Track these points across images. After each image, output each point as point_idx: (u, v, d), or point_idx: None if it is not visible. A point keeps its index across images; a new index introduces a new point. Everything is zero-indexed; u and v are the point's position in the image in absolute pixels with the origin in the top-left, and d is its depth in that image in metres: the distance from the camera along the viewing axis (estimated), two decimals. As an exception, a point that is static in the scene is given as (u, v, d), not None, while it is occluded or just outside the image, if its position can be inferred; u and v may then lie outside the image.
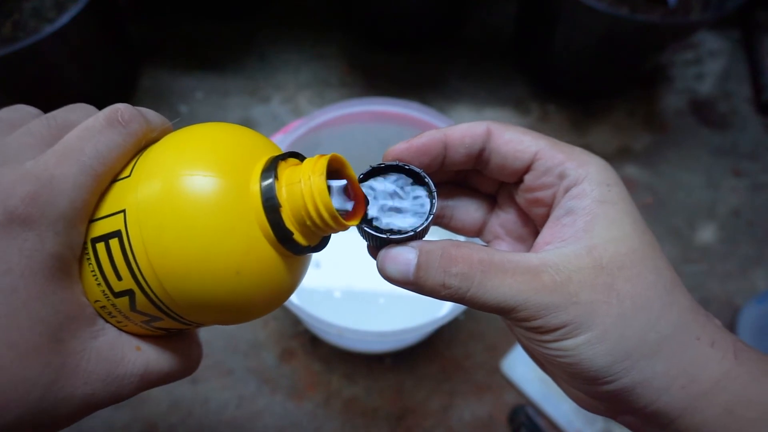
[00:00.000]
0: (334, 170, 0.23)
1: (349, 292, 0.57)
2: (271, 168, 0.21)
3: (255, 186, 0.21)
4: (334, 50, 0.78)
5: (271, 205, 0.21)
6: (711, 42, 0.82)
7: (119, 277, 0.21)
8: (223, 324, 0.24)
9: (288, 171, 0.21)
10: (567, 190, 0.23)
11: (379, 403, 0.57)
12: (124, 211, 0.21)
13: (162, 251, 0.20)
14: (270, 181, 0.21)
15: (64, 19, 0.54)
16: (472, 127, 0.24)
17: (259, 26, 0.79)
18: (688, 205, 0.69)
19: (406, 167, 0.24)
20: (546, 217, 0.24)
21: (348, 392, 0.58)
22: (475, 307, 0.22)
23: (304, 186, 0.20)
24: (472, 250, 0.22)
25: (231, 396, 0.57)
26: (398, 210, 0.23)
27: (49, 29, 0.53)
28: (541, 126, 0.73)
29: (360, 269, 0.58)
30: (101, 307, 0.22)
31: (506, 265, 0.21)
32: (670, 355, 0.21)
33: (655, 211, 0.68)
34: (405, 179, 0.24)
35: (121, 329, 0.23)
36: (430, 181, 0.23)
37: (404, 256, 0.22)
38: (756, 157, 0.73)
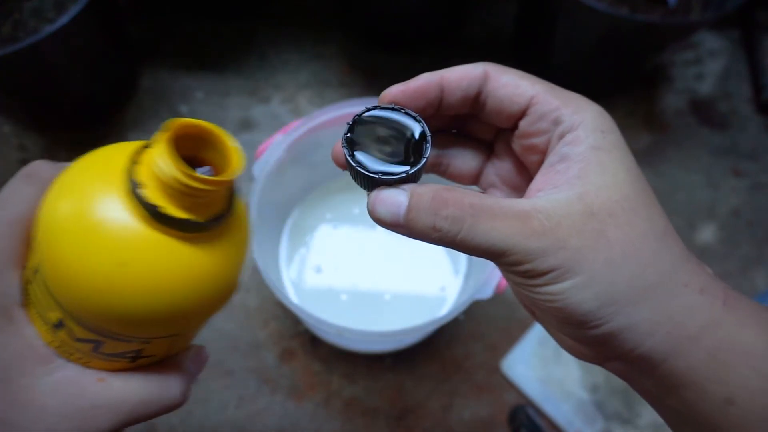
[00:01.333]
0: (198, 140, 0.22)
1: (350, 291, 0.57)
2: (133, 156, 0.21)
3: (121, 178, 0.21)
4: (334, 50, 0.78)
5: (133, 186, 0.21)
6: (711, 42, 0.82)
7: (51, 310, 0.22)
8: (171, 332, 0.24)
9: (147, 152, 0.21)
10: (561, 136, 0.23)
11: (379, 403, 0.57)
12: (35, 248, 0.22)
13: (56, 267, 0.21)
14: (131, 166, 0.21)
15: (64, 19, 0.54)
16: (469, 69, 0.24)
17: (259, 26, 0.79)
18: (688, 205, 0.69)
19: (402, 110, 0.23)
20: (540, 164, 0.24)
21: (348, 392, 0.58)
22: (465, 250, 0.21)
23: (153, 154, 0.20)
24: (464, 194, 0.21)
25: (231, 396, 0.57)
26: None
27: (49, 29, 0.53)
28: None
29: (360, 269, 0.58)
30: (58, 347, 0.23)
31: (497, 210, 0.21)
32: (657, 301, 0.21)
33: (655, 211, 0.68)
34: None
35: (85, 366, 0.24)
36: (425, 126, 0.23)
37: (395, 198, 0.22)
38: (756, 157, 0.73)
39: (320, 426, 0.56)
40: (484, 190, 0.28)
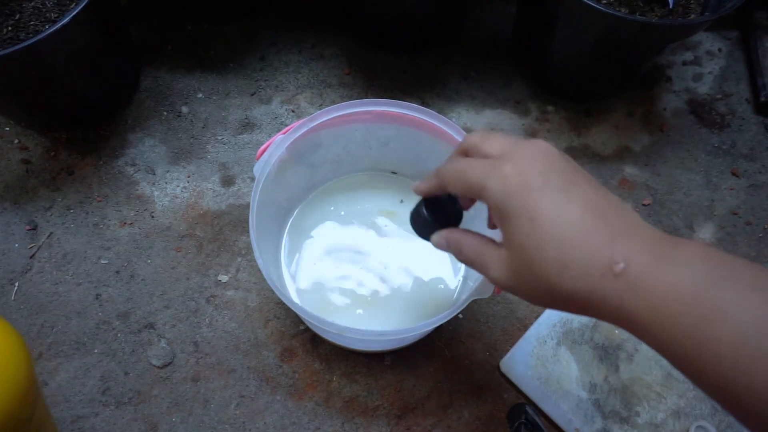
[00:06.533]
0: None
1: (350, 291, 0.57)
2: None
3: None
4: (335, 51, 0.78)
5: None
6: (709, 42, 0.82)
7: None
8: None
9: None
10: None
11: (380, 402, 0.58)
12: None
13: None
14: None
15: (65, 19, 0.54)
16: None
17: (260, 27, 0.79)
18: (686, 205, 0.69)
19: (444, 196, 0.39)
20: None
21: (348, 391, 0.58)
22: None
23: None
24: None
25: (232, 395, 0.57)
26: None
27: (50, 29, 0.53)
28: (540, 126, 0.73)
29: (361, 268, 0.58)
30: None
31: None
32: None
33: (654, 211, 0.69)
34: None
35: None
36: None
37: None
38: (754, 157, 0.73)
39: (320, 425, 0.56)
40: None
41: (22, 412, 0.25)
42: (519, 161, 0.30)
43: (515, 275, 0.30)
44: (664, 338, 0.25)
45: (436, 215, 0.38)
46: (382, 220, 0.61)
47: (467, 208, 0.40)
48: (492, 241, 0.33)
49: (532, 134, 0.73)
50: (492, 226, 0.40)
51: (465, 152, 0.35)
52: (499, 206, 0.30)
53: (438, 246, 0.37)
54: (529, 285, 0.29)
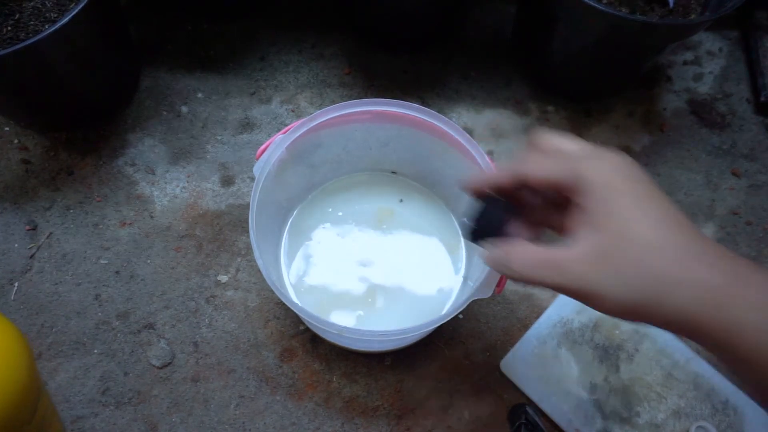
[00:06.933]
0: None
1: (350, 291, 0.57)
2: None
3: None
4: (335, 51, 0.78)
5: None
6: (710, 42, 0.82)
7: None
8: None
9: None
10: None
11: (380, 403, 0.58)
12: None
13: None
14: None
15: (65, 19, 0.54)
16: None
17: (260, 26, 0.79)
18: (687, 205, 0.69)
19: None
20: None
21: (348, 391, 0.58)
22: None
23: None
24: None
25: (232, 395, 0.57)
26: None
27: (49, 29, 0.53)
28: (540, 126, 0.73)
29: (361, 269, 0.58)
30: None
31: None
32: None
33: (654, 211, 0.69)
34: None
35: None
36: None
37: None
38: (755, 157, 0.73)
39: (320, 425, 0.56)
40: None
41: (23, 409, 0.25)
42: (610, 158, 0.31)
43: (603, 262, 0.29)
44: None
45: (484, 219, 0.37)
46: (382, 220, 0.61)
47: (520, 210, 0.37)
48: (553, 249, 0.31)
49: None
50: (557, 226, 0.37)
51: (539, 149, 0.34)
52: (598, 192, 0.30)
53: (492, 265, 0.34)
54: (619, 269, 0.28)
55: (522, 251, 0.32)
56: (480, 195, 0.36)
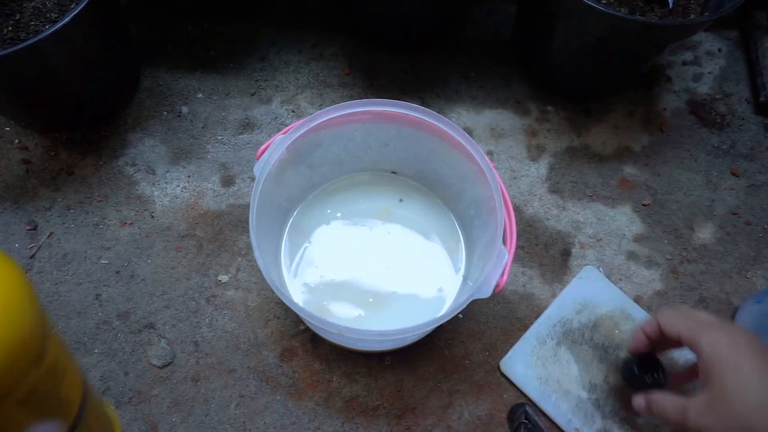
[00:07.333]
0: None
1: (350, 291, 0.57)
2: None
3: None
4: (335, 51, 0.78)
5: None
6: (709, 42, 0.82)
7: None
8: None
9: None
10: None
11: (379, 402, 0.58)
12: None
13: None
14: None
15: (66, 19, 0.54)
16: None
17: (260, 27, 0.79)
18: (686, 205, 0.69)
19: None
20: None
21: (348, 391, 0.58)
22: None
23: None
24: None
25: (232, 395, 0.57)
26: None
27: (50, 29, 0.53)
28: (540, 126, 0.74)
29: (360, 268, 0.58)
30: None
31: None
32: None
33: (654, 211, 0.69)
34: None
35: None
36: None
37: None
38: (754, 157, 0.73)
39: (320, 425, 0.57)
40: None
41: (26, 349, 0.23)
42: (729, 330, 0.42)
43: (714, 414, 0.40)
44: None
45: (645, 375, 0.51)
46: (382, 220, 0.61)
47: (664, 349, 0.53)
48: (683, 397, 0.44)
49: (532, 134, 0.73)
50: (688, 374, 0.52)
51: (675, 308, 0.48)
52: (709, 357, 0.41)
53: (639, 409, 0.48)
54: (724, 421, 0.39)
55: (662, 398, 0.46)
56: (640, 352, 0.51)
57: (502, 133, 0.73)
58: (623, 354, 0.59)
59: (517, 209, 0.68)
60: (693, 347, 0.43)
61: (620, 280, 0.64)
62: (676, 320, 0.45)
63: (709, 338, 0.42)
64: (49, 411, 0.26)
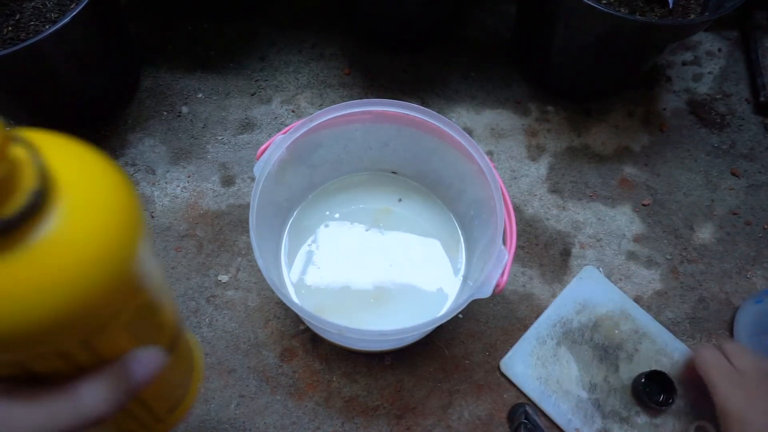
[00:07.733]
0: None
1: (350, 291, 0.57)
2: None
3: None
4: (335, 51, 0.78)
5: None
6: (709, 42, 0.82)
7: None
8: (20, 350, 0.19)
9: None
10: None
11: (379, 402, 0.58)
12: None
13: None
14: None
15: (66, 19, 0.54)
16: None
17: (260, 27, 0.79)
18: (686, 205, 0.69)
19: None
20: None
21: (348, 391, 0.58)
22: None
23: None
24: None
25: (232, 395, 0.57)
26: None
27: (50, 29, 0.53)
28: (540, 126, 0.74)
29: (361, 268, 0.58)
30: None
31: None
32: None
33: (654, 211, 0.69)
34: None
35: None
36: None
37: None
38: (754, 157, 0.73)
39: (320, 425, 0.57)
40: None
41: (132, 248, 0.20)
42: (749, 383, 0.49)
43: None
44: None
45: (656, 395, 0.56)
46: (382, 220, 0.61)
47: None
48: None
49: (532, 134, 0.73)
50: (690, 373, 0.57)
51: (723, 350, 0.53)
52: (722, 407, 0.49)
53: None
54: None
55: None
56: (653, 370, 0.56)
57: (502, 133, 0.73)
58: (623, 354, 0.59)
59: (517, 209, 0.68)
60: (712, 395, 0.51)
61: (620, 280, 0.64)
62: (706, 366, 0.52)
63: (724, 391, 0.49)
64: (149, 338, 0.25)
